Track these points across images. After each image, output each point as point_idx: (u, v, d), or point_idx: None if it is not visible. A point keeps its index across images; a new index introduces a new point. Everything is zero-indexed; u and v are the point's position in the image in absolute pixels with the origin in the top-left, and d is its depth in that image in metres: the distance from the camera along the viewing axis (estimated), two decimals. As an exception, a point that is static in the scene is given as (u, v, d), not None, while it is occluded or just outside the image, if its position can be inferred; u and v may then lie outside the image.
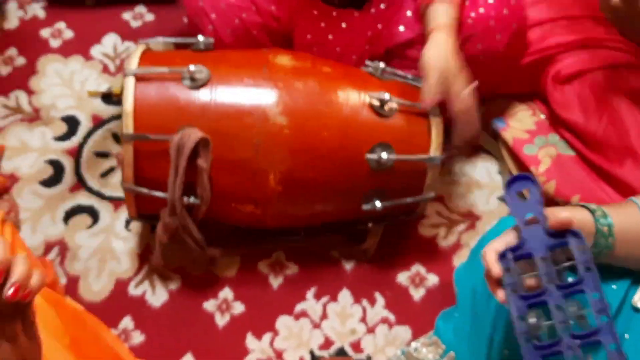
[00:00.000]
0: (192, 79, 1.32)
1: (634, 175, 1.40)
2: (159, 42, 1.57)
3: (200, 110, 1.31)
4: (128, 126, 1.29)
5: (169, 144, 1.29)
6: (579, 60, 1.53)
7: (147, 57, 1.37)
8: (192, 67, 1.32)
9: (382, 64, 1.41)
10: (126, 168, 1.32)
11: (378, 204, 1.37)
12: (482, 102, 1.64)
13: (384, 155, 1.33)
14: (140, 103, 1.30)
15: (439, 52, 1.33)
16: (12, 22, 1.91)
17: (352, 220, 1.48)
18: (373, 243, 1.51)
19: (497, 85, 1.59)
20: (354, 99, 1.35)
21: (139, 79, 1.32)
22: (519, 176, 0.99)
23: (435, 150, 1.35)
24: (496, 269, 0.96)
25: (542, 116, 1.59)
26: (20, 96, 1.77)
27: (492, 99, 1.64)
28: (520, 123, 1.59)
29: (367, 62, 1.43)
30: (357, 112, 1.34)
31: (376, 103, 1.34)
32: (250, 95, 1.33)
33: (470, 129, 1.36)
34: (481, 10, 1.45)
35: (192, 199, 1.33)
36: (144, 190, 1.34)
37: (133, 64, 1.33)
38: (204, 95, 1.32)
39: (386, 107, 1.34)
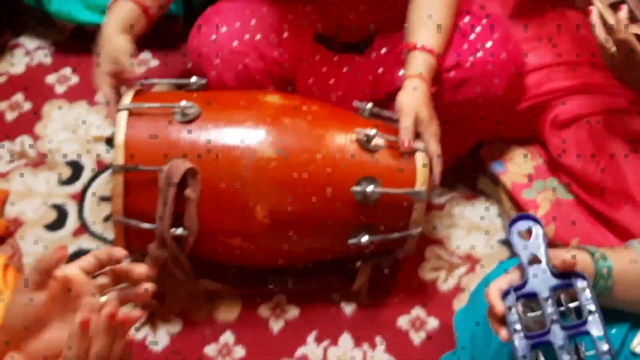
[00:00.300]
0: (183, 114, 1.35)
1: (632, 220, 1.41)
2: (155, 84, 1.60)
3: (190, 144, 1.34)
4: (118, 158, 1.32)
5: (158, 175, 1.31)
6: (576, 106, 1.55)
7: (141, 95, 1.40)
8: (183, 103, 1.36)
9: (369, 105, 1.43)
10: (116, 199, 1.33)
11: (364, 238, 1.38)
12: (481, 145, 1.68)
13: (370, 188, 1.34)
14: (131, 136, 1.33)
15: (412, 98, 1.36)
16: (18, 67, 1.94)
17: (340, 257, 1.48)
18: (363, 283, 1.50)
19: (495, 128, 1.60)
20: (341, 134, 1.38)
21: (132, 113, 1.35)
22: (522, 215, 1.01)
23: (421, 184, 1.36)
24: (499, 306, 0.97)
25: (541, 160, 1.60)
26: (26, 141, 1.79)
27: (491, 143, 1.65)
28: (518, 167, 1.60)
29: (355, 103, 1.45)
30: (344, 147, 1.37)
31: (362, 138, 1.36)
32: (239, 129, 1.36)
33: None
34: (479, 54, 1.47)
35: (179, 231, 1.35)
36: (133, 222, 1.35)
37: (126, 100, 1.37)
38: (193, 129, 1.35)
39: (372, 143, 1.36)
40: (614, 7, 1.29)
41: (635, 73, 1.31)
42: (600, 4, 1.30)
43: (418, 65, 1.40)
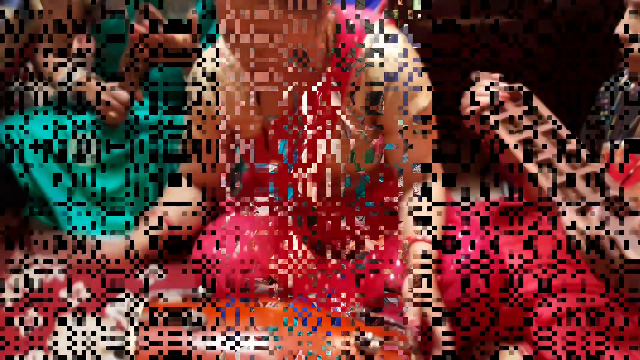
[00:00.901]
0: (191, 323, 1.45)
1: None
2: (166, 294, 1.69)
3: (195, 351, 1.42)
4: None
5: None
6: (559, 304, 1.60)
7: (152, 306, 1.51)
8: (190, 312, 1.46)
9: (367, 310, 1.52)
10: None
11: None
12: (471, 344, 1.73)
13: None
14: (141, 346, 1.43)
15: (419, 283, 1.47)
16: (33, 284, 2.04)
17: None
18: None
19: (482, 328, 1.66)
20: (339, 339, 1.45)
21: (143, 323, 1.45)
22: None
23: None
24: None
25: (529, 356, 1.64)
26: (37, 355, 1.86)
27: (480, 340, 1.71)
28: (508, 363, 1.65)
29: (355, 309, 1.54)
30: (342, 350, 1.43)
31: (360, 342, 1.44)
32: (241, 337, 1.45)
33: None
34: (462, 258, 1.56)
35: None
36: None
37: (139, 310, 1.49)
38: (199, 338, 1.44)
39: (370, 345, 1.43)
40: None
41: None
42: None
43: (421, 253, 1.51)
